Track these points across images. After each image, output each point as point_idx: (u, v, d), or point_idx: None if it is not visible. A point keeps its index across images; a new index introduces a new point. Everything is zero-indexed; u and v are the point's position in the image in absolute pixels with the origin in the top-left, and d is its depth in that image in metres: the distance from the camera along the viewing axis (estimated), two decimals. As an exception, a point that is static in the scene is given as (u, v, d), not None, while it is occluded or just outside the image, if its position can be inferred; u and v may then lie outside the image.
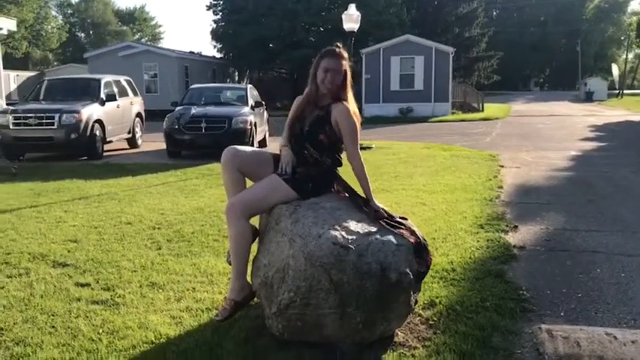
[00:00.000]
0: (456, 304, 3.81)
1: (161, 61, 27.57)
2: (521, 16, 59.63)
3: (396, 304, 3.23)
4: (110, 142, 12.92)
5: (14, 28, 15.71)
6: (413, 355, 3.14)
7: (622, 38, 61.21)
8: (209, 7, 38.03)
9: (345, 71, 3.44)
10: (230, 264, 3.50)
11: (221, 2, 37.60)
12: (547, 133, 18.00)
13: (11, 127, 11.45)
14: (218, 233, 5.80)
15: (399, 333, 3.38)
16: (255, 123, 12.46)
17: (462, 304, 3.81)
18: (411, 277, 3.26)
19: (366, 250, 3.14)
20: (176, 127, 11.95)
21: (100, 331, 3.48)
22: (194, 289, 4.21)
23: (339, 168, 3.61)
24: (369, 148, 13.45)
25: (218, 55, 38.21)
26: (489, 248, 5.18)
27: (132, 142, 14.10)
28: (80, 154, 12.02)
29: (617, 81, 51.91)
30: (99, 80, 12.84)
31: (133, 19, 70.10)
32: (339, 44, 3.53)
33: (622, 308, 3.83)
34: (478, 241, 5.42)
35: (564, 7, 61.35)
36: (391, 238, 3.24)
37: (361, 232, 3.23)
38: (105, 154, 12.73)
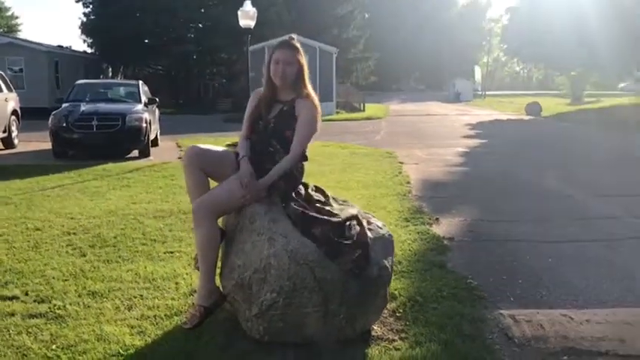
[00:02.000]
0: (415, 295, 3.90)
1: (28, 55, 25.48)
2: (393, 20, 62.35)
3: (376, 298, 3.25)
4: (-17, 141, 11.74)
5: None
6: (396, 348, 3.16)
7: (483, 43, 66.04)
8: (78, 0, 35.79)
9: (300, 63, 3.32)
10: (198, 269, 3.32)
11: (92, -6, 35.53)
12: (431, 131, 18.97)
13: None
14: (143, 237, 5.49)
15: (374, 327, 3.39)
16: (150, 121, 11.91)
17: (420, 294, 3.90)
18: (390, 270, 3.29)
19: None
20: (64, 125, 11.11)
21: (54, 347, 3.15)
22: (142, 296, 3.94)
23: (305, 163, 3.52)
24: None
25: (89, 50, 36.08)
26: (423, 240, 5.36)
27: (7, 142, 12.88)
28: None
29: (480, 83, 55.90)
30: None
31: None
32: (292, 36, 3.44)
33: (561, 290, 4.13)
34: (410, 234, 5.59)
35: (431, 12, 65.05)
36: (368, 233, 3.25)
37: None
38: (-22, 155, 11.56)
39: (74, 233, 5.62)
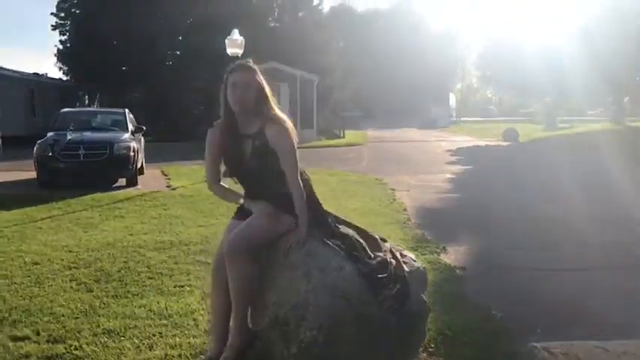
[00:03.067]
0: (444, 328, 3.81)
1: (2, 83, 25.06)
2: (368, 47, 63.19)
3: (415, 334, 3.17)
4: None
5: None
6: (438, 385, 3.07)
7: (457, 70, 67.26)
8: (55, 27, 35.51)
9: (260, 84, 3.06)
10: (211, 309, 3.23)
11: (69, 22, 35.27)
12: (414, 158, 19.07)
13: None
14: (148, 270, 5.33)
15: (411, 363, 3.30)
16: (137, 149, 11.73)
17: (449, 328, 3.82)
18: (428, 304, 3.22)
19: (384, 279, 3.04)
20: (50, 154, 10.87)
21: (84, 392, 2.98)
22: (161, 334, 3.78)
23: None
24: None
25: (65, 78, 35.71)
26: (436, 271, 5.30)
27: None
28: None
29: (454, 109, 56.75)
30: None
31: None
32: (248, 60, 3.21)
33: (590, 322, 4.09)
34: (421, 264, 5.51)
35: (405, 40, 66.12)
36: (403, 266, 3.17)
37: (374, 261, 3.13)
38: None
39: (76, 267, 5.43)
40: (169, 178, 12.81)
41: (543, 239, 6.71)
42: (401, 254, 3.28)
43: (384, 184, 11.76)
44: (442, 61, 66.32)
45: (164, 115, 37.89)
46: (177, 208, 8.90)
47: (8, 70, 26.70)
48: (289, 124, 3.07)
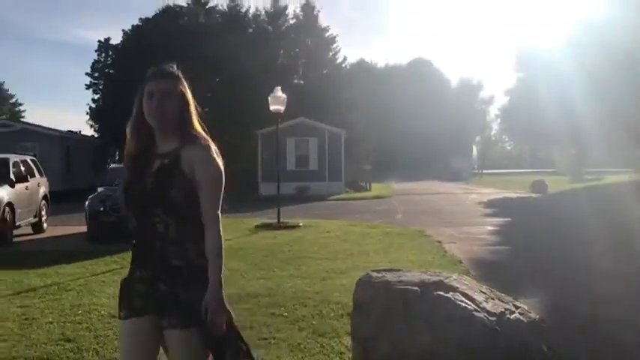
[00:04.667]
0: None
1: (42, 141, 25.77)
2: (389, 101, 64.13)
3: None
4: (19, 226, 11.65)
5: None
6: None
7: (477, 123, 67.69)
8: (88, 86, 36.72)
9: (183, 95, 2.38)
10: None
11: (102, 81, 36.46)
12: (447, 210, 19.05)
13: None
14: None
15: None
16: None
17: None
18: (550, 354, 3.22)
19: (508, 331, 3.06)
20: (101, 209, 11.10)
21: None
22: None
23: None
24: (298, 226, 13.41)
25: (96, 135, 36.65)
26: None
27: (37, 227, 12.81)
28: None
29: (475, 161, 56.83)
30: (7, 159, 11.69)
31: (-11, 96, 65.57)
32: (172, 65, 2.52)
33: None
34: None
35: (425, 93, 67.05)
36: (520, 317, 3.19)
37: (496, 311, 3.15)
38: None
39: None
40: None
41: (615, 291, 6.64)
42: (515, 305, 3.30)
43: (428, 236, 11.74)
44: (462, 113, 66.94)
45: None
46: (232, 261, 8.94)
47: (46, 128, 27.50)
48: (212, 144, 2.37)
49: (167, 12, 36.95)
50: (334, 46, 41.46)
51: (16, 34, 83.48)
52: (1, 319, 5.54)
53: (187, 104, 2.39)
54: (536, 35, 37.27)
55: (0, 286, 7.22)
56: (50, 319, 5.53)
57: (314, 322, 5.34)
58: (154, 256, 2.29)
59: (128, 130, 2.42)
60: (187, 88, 2.42)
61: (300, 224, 13.70)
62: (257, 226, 13.65)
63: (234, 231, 12.98)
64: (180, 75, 2.44)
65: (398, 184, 38.82)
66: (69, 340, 4.84)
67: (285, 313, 5.66)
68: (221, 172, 2.34)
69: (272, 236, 12.02)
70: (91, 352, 4.54)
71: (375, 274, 3.50)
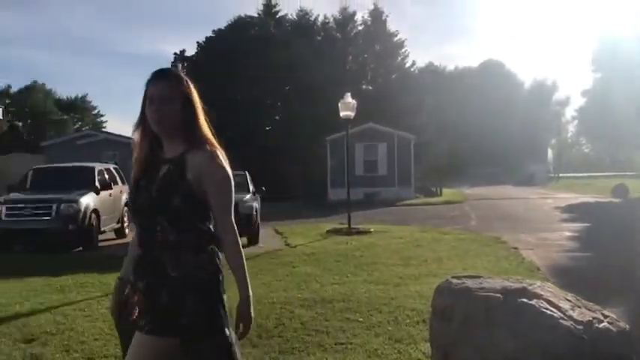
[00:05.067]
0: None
1: (121, 150, 26.93)
2: (460, 104, 63.07)
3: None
4: (103, 232, 12.27)
5: None
6: None
7: (552, 125, 65.44)
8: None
9: (186, 98, 2.26)
10: None
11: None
12: (523, 215, 18.52)
13: (4, 217, 10.72)
14: (303, 327, 5.46)
15: None
16: (257, 209, 12.19)
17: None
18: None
19: (596, 340, 2.97)
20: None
21: None
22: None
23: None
24: (369, 231, 13.41)
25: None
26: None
27: (120, 232, 13.44)
28: (76, 245, 11.34)
29: (551, 165, 54.93)
30: (92, 168, 12.34)
31: (74, 108, 69.23)
32: (175, 66, 2.46)
33: None
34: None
35: (497, 95, 65.51)
36: (609, 326, 3.09)
37: (583, 320, 3.07)
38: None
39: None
40: (285, 237, 13.12)
41: None
42: (603, 314, 3.20)
43: (503, 243, 11.45)
44: (536, 115, 64.91)
45: (266, 177, 39.21)
46: (305, 266, 9.09)
47: (126, 137, 28.70)
48: (220, 150, 2.28)
49: (238, 23, 37.93)
50: (403, 50, 41.31)
51: (99, 49, 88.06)
52: (93, 320, 5.85)
53: (191, 107, 2.25)
54: (613, 35, 35.75)
55: (89, 288, 7.62)
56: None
57: (390, 328, 5.34)
58: (152, 264, 2.20)
59: (134, 136, 2.35)
60: (192, 89, 2.28)
61: (371, 230, 13.69)
62: (328, 231, 13.75)
63: (306, 236, 13.16)
64: (183, 76, 2.30)
65: (469, 189, 38.04)
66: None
67: (361, 319, 5.68)
68: (229, 178, 2.24)
69: (344, 241, 12.08)
70: (175, 353, 4.72)
71: (454, 281, 3.48)
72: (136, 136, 2.33)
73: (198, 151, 2.21)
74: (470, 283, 3.36)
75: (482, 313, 3.14)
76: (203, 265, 2.19)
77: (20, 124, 66.46)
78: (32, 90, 63.18)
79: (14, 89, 63.95)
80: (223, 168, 2.23)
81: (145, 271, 2.22)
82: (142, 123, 2.28)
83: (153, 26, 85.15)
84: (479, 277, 3.57)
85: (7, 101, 64.91)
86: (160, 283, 2.17)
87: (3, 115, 57.01)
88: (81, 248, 11.43)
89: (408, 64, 42.39)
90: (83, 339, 5.15)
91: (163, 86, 2.23)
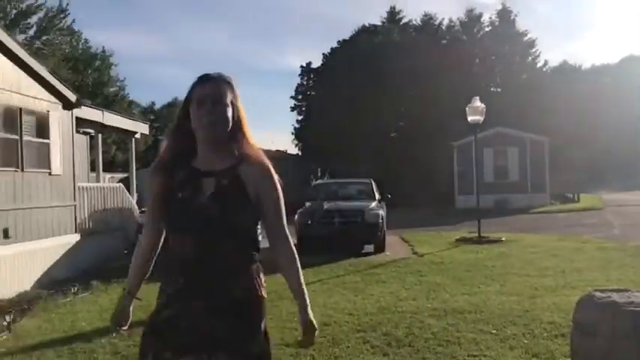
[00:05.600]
0: None
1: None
2: (597, 105, 59.04)
3: None
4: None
5: (147, 132, 16.44)
6: None
7: None
8: (293, 108, 39.58)
9: (237, 105, 2.10)
10: None
11: (304, 103, 39.03)
12: (675, 223, 16.92)
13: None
14: (434, 337, 5.39)
15: None
16: (384, 217, 12.20)
17: None
18: None
19: None
20: (309, 222, 11.87)
21: None
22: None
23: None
24: (500, 240, 12.92)
25: (299, 153, 39.22)
26: None
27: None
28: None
29: None
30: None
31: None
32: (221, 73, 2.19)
33: None
34: None
35: (636, 96, 60.49)
36: None
37: None
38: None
39: (363, 330, 5.70)
40: (412, 245, 13.00)
41: None
42: None
43: (653, 253, 10.54)
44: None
45: (390, 184, 39.23)
46: (434, 275, 8.95)
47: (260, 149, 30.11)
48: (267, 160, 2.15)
49: (362, 32, 38.34)
50: (533, 50, 39.51)
51: (230, 65, 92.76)
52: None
53: (239, 114, 2.10)
54: None
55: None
56: (270, 325, 5.97)
57: (525, 342, 5.12)
58: (213, 286, 1.99)
59: (167, 141, 2.17)
60: (239, 96, 2.12)
61: (503, 238, 13.17)
62: (457, 240, 13.42)
63: (433, 244, 12.94)
64: (233, 83, 2.14)
65: (609, 195, 35.37)
66: (288, 345, 5.23)
67: (494, 331, 5.50)
68: (280, 190, 2.14)
69: (474, 250, 11.74)
70: (308, 358, 4.87)
71: (598, 294, 3.27)
72: (167, 142, 2.16)
73: (254, 162, 2.09)
74: (616, 296, 3.14)
75: (630, 329, 2.93)
76: (262, 284, 2.11)
77: (163, 138, 71.83)
78: (173, 106, 68.03)
79: (158, 106, 69.26)
80: (277, 178, 2.15)
81: (199, 292, 1.99)
82: (180, 128, 2.10)
83: (282, 42, 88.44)
84: (626, 290, 3.33)
85: (152, 117, 70.44)
86: (223, 307, 1.99)
87: (149, 131, 61.95)
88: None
89: (539, 64, 40.46)
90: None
91: (215, 88, 2.07)
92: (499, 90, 38.73)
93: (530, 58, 39.56)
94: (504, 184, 26.34)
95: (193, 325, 1.96)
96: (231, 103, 2.07)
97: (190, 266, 2.00)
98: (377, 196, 13.14)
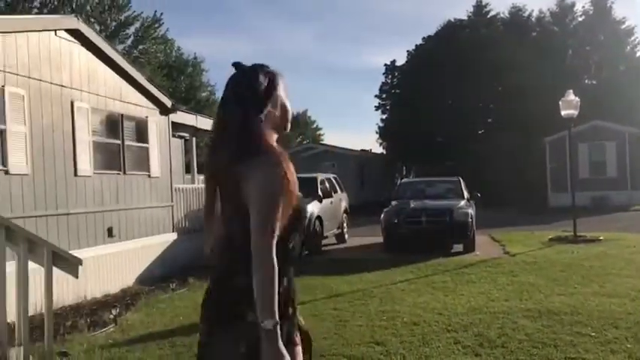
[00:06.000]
0: None
1: (339, 160, 28.45)
2: None
3: None
4: (326, 237, 13.08)
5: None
6: None
7: None
8: (377, 107, 39.51)
9: None
10: None
11: (389, 102, 38.84)
12: None
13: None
14: (528, 338, 5.27)
15: None
16: (474, 216, 11.94)
17: None
18: None
19: None
20: (395, 221, 11.83)
21: None
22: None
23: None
24: (597, 239, 12.33)
25: (384, 152, 39.05)
26: None
27: (340, 238, 14.21)
28: (303, 249, 12.25)
29: None
30: (315, 178, 13.24)
31: (296, 123, 74.60)
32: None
33: None
34: None
35: None
36: None
37: None
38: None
39: (454, 330, 5.64)
40: (503, 244, 12.65)
41: None
42: None
43: None
44: None
45: (479, 182, 38.26)
46: (526, 275, 8.69)
47: (344, 148, 30.35)
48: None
49: (448, 27, 37.60)
50: (632, 39, 37.17)
51: (315, 65, 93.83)
52: (320, 319, 6.30)
53: None
54: None
55: (315, 290, 8.18)
56: (360, 323, 6.09)
57: (629, 346, 4.90)
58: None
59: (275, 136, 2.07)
60: None
61: (601, 238, 12.55)
62: (551, 239, 12.92)
63: (525, 244, 12.54)
64: None
65: None
66: (378, 344, 5.28)
67: (593, 333, 5.29)
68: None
69: (569, 250, 11.27)
70: (399, 356, 4.88)
71: None
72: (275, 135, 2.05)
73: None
74: None
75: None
76: None
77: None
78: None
79: (245, 108, 71.14)
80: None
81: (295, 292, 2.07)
82: (283, 115, 2.06)
83: (364, 41, 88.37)
84: None
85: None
86: None
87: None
88: (307, 252, 12.29)
89: (639, 53, 37.99)
90: (313, 337, 5.56)
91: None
92: (594, 82, 36.77)
93: (628, 47, 37.25)
94: (601, 180, 25.02)
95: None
96: None
97: (293, 265, 2.05)
98: (466, 194, 12.89)
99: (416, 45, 38.71)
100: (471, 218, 11.62)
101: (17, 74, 7.46)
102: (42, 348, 4.70)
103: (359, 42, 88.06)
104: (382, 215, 12.24)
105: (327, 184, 13.80)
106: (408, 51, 39.13)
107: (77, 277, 4.83)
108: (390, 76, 39.75)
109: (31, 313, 4.90)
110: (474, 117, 35.73)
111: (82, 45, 8.90)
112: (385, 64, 39.74)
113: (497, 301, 6.93)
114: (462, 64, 33.44)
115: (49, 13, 27.19)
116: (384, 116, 39.79)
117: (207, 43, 75.97)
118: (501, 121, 34.77)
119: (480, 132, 36.66)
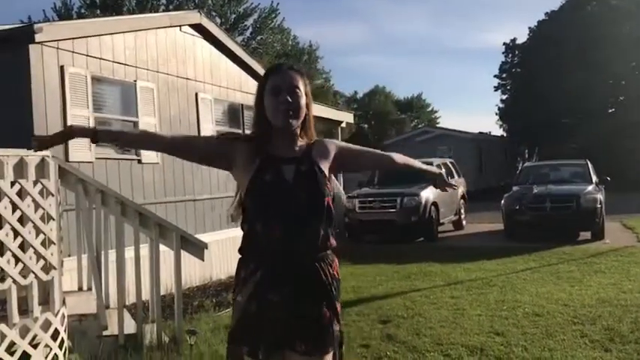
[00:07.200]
0: None
1: (456, 143, 27.67)
2: None
3: None
4: (442, 224, 12.86)
5: (351, 120, 17.14)
6: None
7: None
8: (497, 88, 37.96)
9: (309, 96, 2.16)
10: None
11: (510, 82, 37.20)
12: None
13: (357, 210, 12.16)
14: (665, 334, 4.85)
15: None
16: (602, 201, 11.17)
17: None
18: None
19: None
20: (517, 207, 11.38)
21: None
22: None
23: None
24: None
25: (504, 134, 37.51)
26: None
27: (457, 224, 13.90)
28: (418, 235, 12.17)
29: None
30: (431, 163, 13.00)
31: (411, 107, 73.60)
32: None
33: None
34: None
35: None
36: None
37: None
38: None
39: (580, 323, 5.35)
40: (637, 232, 11.75)
41: None
42: None
43: None
44: None
45: (609, 165, 35.70)
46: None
47: (459, 131, 29.48)
48: None
49: (572, 1, 35.20)
50: None
51: (429, 49, 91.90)
52: (437, 307, 6.22)
53: (310, 107, 2.18)
54: None
55: (433, 277, 8.08)
56: (479, 312, 5.94)
57: None
58: (302, 271, 2.05)
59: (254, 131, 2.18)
60: (309, 85, 2.20)
61: None
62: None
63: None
64: (304, 71, 2.21)
65: None
66: (498, 334, 5.12)
67: None
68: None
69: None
70: (520, 348, 4.71)
71: None
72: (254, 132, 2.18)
73: (318, 144, 2.19)
74: None
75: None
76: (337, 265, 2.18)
77: (366, 126, 73.89)
78: (374, 94, 69.48)
79: (360, 94, 71.30)
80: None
81: (290, 280, 2.04)
82: (259, 119, 2.14)
83: (481, 19, 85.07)
84: None
85: (355, 106, 72.82)
86: (313, 292, 2.06)
87: (353, 119, 64.20)
88: (422, 239, 12.17)
89: None
90: (431, 324, 5.51)
91: (291, 78, 2.12)
92: None
93: None
94: None
95: (278, 316, 2.02)
96: (307, 94, 2.14)
97: (277, 253, 2.04)
98: (594, 178, 12.07)
99: (538, 21, 36.65)
100: (600, 204, 10.89)
101: (147, 69, 7.98)
102: (172, 325, 5.05)
103: (474, 20, 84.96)
104: (503, 201, 11.80)
105: (444, 169, 13.51)
106: (529, 28, 37.17)
107: (203, 259, 5.11)
108: (510, 55, 37.97)
109: (162, 292, 5.26)
110: (603, 95, 33.25)
111: (205, 39, 9.34)
112: (504, 43, 38.01)
113: (630, 293, 6.47)
114: (589, 39, 31.22)
115: (174, 9, 28.77)
116: (504, 97, 38.17)
117: (320, 31, 76.91)
118: (635, 98, 32.11)
119: (610, 110, 34.08)
